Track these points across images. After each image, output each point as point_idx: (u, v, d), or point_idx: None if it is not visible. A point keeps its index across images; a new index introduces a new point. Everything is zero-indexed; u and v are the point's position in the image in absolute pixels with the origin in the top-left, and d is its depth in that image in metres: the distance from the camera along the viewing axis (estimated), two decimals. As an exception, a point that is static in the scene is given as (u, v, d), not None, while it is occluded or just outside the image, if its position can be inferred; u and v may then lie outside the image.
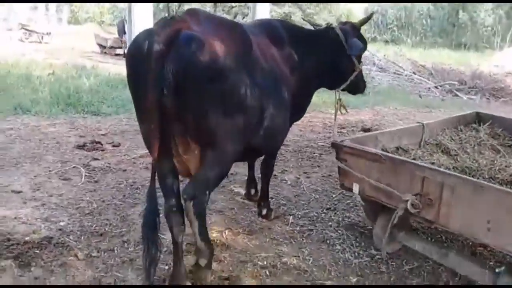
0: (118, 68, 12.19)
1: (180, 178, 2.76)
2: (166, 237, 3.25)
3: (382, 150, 3.42)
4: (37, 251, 3.15)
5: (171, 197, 2.66)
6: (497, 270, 2.76)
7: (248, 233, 3.65)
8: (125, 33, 17.30)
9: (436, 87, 13.94)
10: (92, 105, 7.97)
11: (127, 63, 2.54)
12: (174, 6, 23.66)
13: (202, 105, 2.44)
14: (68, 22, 32.77)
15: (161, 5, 24.52)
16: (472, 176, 3.16)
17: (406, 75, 14.96)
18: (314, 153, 6.04)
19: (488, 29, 31.21)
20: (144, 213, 2.48)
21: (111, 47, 18.87)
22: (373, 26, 31.28)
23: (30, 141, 5.77)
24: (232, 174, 4.89)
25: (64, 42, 20.39)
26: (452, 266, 3.04)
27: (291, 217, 4.00)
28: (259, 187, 4.14)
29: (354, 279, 3.10)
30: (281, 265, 3.19)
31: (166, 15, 2.48)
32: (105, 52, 18.85)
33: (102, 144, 5.80)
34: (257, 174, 4.21)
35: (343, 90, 3.87)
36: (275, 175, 4.74)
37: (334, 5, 29.30)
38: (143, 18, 12.70)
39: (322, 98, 9.00)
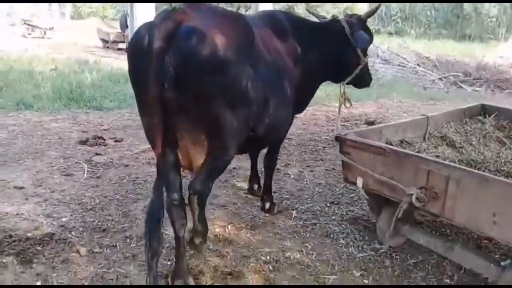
0: (121, 63, 12.15)
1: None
2: (168, 232, 3.23)
3: (386, 143, 3.38)
4: (39, 248, 3.15)
5: (173, 191, 2.66)
6: (502, 264, 2.73)
7: (251, 228, 3.63)
8: (127, 27, 17.18)
9: (440, 79, 13.81)
10: (95, 100, 7.93)
11: (128, 57, 2.55)
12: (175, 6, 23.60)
13: (204, 98, 2.42)
14: (71, 17, 32.69)
15: (164, 5, 24.46)
16: (478, 169, 3.13)
17: (410, 67, 14.81)
18: (317, 147, 6.00)
19: (493, 20, 30.85)
20: (149, 206, 2.46)
21: (114, 42, 18.78)
22: (377, 18, 30.98)
23: (32, 136, 5.76)
24: (235, 168, 4.87)
25: (67, 37, 20.33)
26: (457, 259, 3.01)
27: (294, 211, 3.98)
28: (262, 181, 4.11)
29: (358, 273, 3.08)
30: (284, 260, 3.18)
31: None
32: (108, 47, 18.76)
33: (104, 139, 5.78)
34: (260, 168, 4.18)
35: (348, 83, 3.83)
36: (278, 169, 4.71)
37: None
38: (145, 13, 12.61)
39: (326, 91, 8.94)
